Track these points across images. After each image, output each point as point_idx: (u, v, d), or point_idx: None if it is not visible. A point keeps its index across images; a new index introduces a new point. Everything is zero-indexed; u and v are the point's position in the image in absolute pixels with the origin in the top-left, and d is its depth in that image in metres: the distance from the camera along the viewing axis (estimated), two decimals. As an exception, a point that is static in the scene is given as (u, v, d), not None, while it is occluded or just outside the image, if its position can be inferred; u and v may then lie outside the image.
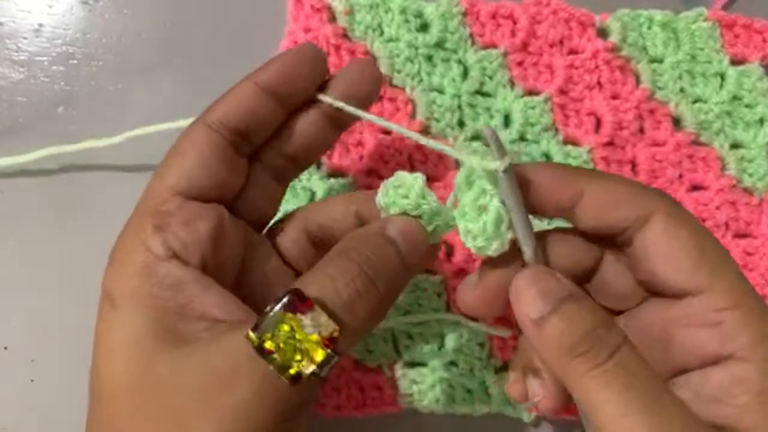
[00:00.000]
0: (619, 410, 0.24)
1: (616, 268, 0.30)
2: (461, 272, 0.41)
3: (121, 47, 0.43)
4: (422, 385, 0.39)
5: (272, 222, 0.34)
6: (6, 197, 0.40)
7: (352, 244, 0.28)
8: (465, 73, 0.43)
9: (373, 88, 0.33)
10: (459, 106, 0.43)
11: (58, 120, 0.41)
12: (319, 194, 0.40)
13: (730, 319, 0.26)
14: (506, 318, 0.40)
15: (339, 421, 0.39)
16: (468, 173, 0.29)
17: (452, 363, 0.40)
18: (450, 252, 0.41)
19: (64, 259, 0.39)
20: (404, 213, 0.29)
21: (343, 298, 0.26)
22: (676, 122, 0.45)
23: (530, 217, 0.29)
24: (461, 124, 0.43)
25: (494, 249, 0.28)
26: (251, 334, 0.24)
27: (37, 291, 0.39)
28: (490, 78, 0.43)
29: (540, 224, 0.37)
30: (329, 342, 0.25)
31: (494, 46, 0.44)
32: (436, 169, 0.42)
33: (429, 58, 0.43)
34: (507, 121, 0.43)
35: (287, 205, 0.38)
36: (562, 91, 0.44)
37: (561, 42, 0.44)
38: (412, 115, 0.42)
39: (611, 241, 0.29)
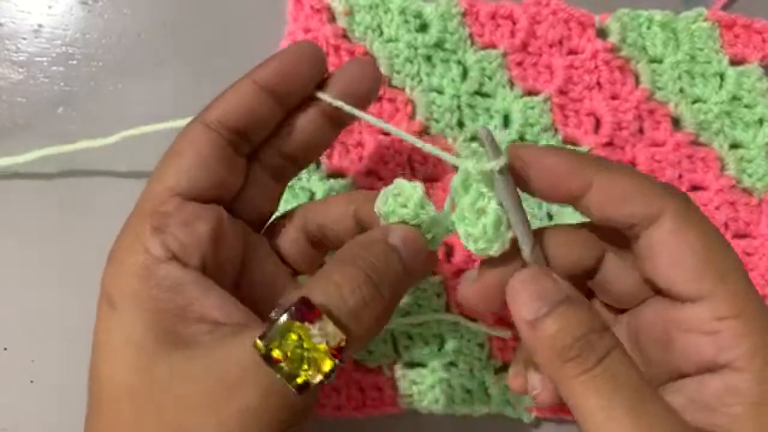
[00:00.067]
0: (605, 415, 0.24)
1: (619, 266, 0.30)
2: (461, 273, 0.41)
3: (121, 47, 0.43)
4: (422, 385, 0.39)
5: (270, 221, 0.34)
6: (6, 197, 0.40)
7: (357, 251, 0.28)
8: (464, 74, 0.43)
9: (372, 87, 0.33)
10: (458, 107, 0.43)
11: (58, 120, 0.41)
12: (319, 195, 0.40)
13: (730, 329, 0.26)
14: (506, 318, 0.40)
15: (339, 421, 0.39)
16: (464, 177, 0.29)
17: (452, 363, 0.40)
18: (449, 253, 0.41)
19: (63, 260, 0.40)
20: (403, 221, 0.29)
21: (349, 306, 0.26)
22: (676, 122, 0.45)
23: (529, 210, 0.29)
24: (461, 124, 0.43)
25: (495, 250, 0.28)
26: (258, 342, 0.24)
27: (37, 291, 0.39)
28: (490, 78, 0.43)
29: (540, 222, 0.37)
30: (337, 352, 0.25)
31: (494, 46, 0.44)
32: (435, 169, 0.42)
33: (428, 59, 0.43)
34: (506, 121, 0.43)
35: (286, 204, 0.38)
36: (562, 92, 0.44)
37: (560, 42, 0.44)
38: (412, 116, 0.42)
39: (618, 235, 0.29)
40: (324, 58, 0.31)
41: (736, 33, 0.46)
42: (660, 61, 0.45)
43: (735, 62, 0.46)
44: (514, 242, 0.29)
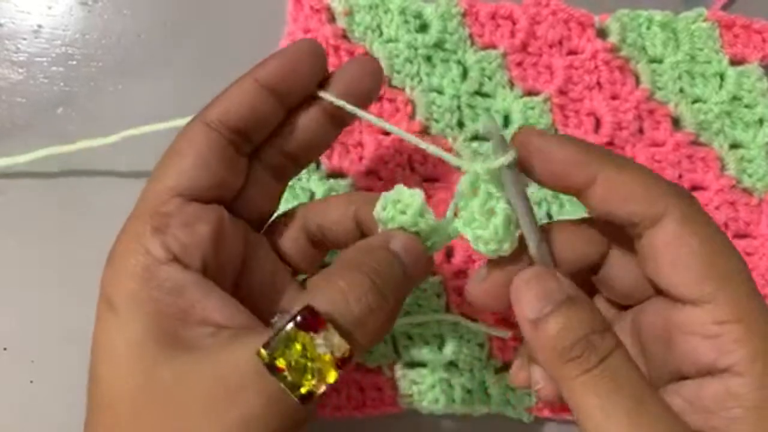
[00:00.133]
0: (605, 415, 0.24)
1: (624, 262, 0.30)
2: (461, 273, 0.41)
3: (121, 48, 0.43)
4: (422, 385, 0.39)
5: (270, 220, 0.34)
6: (6, 198, 0.40)
7: (361, 257, 0.28)
8: (464, 74, 0.43)
9: (374, 85, 0.32)
10: (458, 107, 0.43)
11: (58, 121, 0.41)
12: (319, 195, 0.40)
13: (731, 333, 0.25)
14: (506, 318, 0.40)
15: (339, 421, 0.39)
16: (473, 180, 0.28)
17: (452, 363, 0.40)
18: (449, 253, 0.41)
19: (63, 260, 0.39)
20: (402, 228, 0.29)
21: (354, 314, 0.26)
22: (676, 122, 0.45)
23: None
24: (461, 124, 0.43)
25: (506, 249, 0.28)
26: (262, 351, 0.24)
27: (37, 291, 0.39)
28: (490, 78, 0.43)
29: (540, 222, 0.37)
30: (341, 362, 0.24)
31: (494, 46, 0.44)
32: (435, 169, 0.42)
33: (428, 59, 0.43)
34: (506, 121, 0.43)
35: (286, 204, 0.38)
36: (562, 92, 0.44)
37: (560, 42, 0.44)
38: (412, 116, 0.42)
39: (623, 231, 0.29)
40: (325, 56, 0.31)
41: (736, 33, 0.46)
42: (660, 61, 0.45)
43: (735, 62, 0.46)
44: (521, 238, 0.29)
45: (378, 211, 0.30)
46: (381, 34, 0.43)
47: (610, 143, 0.44)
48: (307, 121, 0.31)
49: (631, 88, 0.44)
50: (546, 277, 0.27)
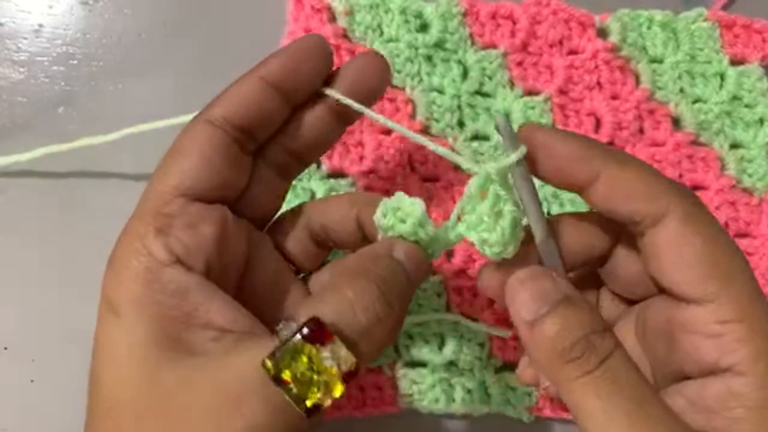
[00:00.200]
0: (606, 417, 0.24)
1: (630, 255, 0.30)
2: (461, 273, 0.41)
3: (121, 47, 0.43)
4: (422, 385, 0.39)
5: (273, 219, 0.34)
6: (6, 197, 0.40)
7: (366, 264, 0.28)
8: (465, 74, 0.43)
9: (380, 82, 0.32)
10: (459, 107, 0.43)
11: (59, 120, 0.41)
12: (319, 194, 0.40)
13: (733, 333, 0.25)
14: (506, 318, 0.40)
15: (339, 421, 0.39)
16: (482, 182, 0.28)
17: (452, 363, 0.40)
18: (450, 253, 0.41)
19: (64, 259, 0.39)
20: (401, 237, 0.29)
21: (362, 324, 0.25)
22: (676, 122, 0.45)
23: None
24: (461, 124, 0.43)
25: (510, 252, 0.28)
26: (268, 362, 0.24)
27: (37, 291, 0.39)
28: (490, 78, 0.43)
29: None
30: (347, 376, 0.24)
31: (494, 46, 0.44)
32: (435, 169, 0.42)
33: (429, 59, 0.43)
34: (506, 121, 0.43)
35: (287, 204, 0.38)
36: (562, 92, 0.44)
37: (561, 42, 0.44)
38: (412, 116, 0.42)
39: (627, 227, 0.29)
40: (330, 52, 0.30)
41: (736, 33, 0.46)
42: (660, 61, 0.45)
43: (735, 62, 0.46)
44: (528, 231, 0.29)
45: (378, 218, 0.30)
46: (381, 33, 0.43)
47: (611, 143, 0.44)
48: (313, 118, 0.31)
49: (631, 88, 0.44)
50: (541, 277, 0.27)
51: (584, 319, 0.26)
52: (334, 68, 0.31)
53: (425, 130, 0.42)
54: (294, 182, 0.39)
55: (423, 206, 0.29)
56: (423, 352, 0.40)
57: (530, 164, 0.28)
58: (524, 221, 0.29)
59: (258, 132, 0.30)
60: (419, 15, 0.43)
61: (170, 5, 0.44)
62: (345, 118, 0.32)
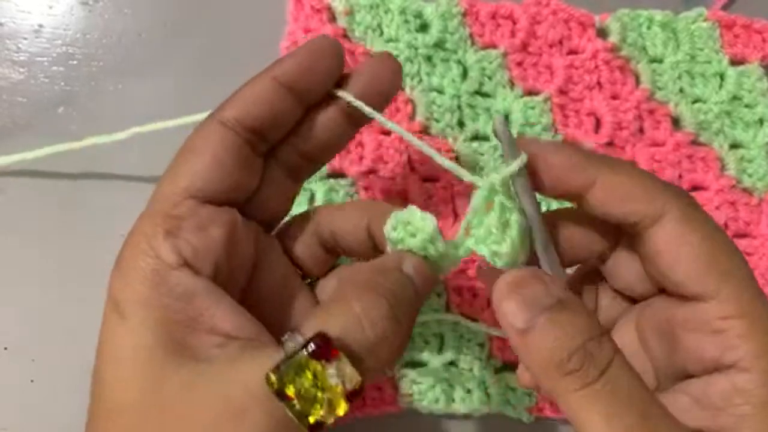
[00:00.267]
0: (606, 430, 0.24)
1: (630, 255, 0.29)
2: (461, 273, 0.41)
3: (121, 47, 0.43)
4: (422, 385, 0.39)
5: (283, 222, 0.33)
6: (6, 197, 0.40)
7: (376, 278, 0.27)
8: (464, 74, 0.43)
9: (392, 85, 0.31)
10: (458, 107, 0.43)
11: (59, 120, 0.41)
12: (319, 195, 0.40)
13: (735, 328, 0.25)
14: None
15: (338, 421, 0.39)
16: (487, 194, 0.28)
17: (452, 363, 0.40)
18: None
19: (64, 259, 0.40)
20: (410, 251, 0.29)
21: (370, 340, 0.25)
22: (676, 122, 0.45)
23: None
24: (461, 124, 0.43)
25: (521, 261, 0.28)
26: (272, 376, 0.23)
27: (37, 291, 0.39)
28: (490, 78, 0.43)
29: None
30: (351, 395, 0.24)
31: (494, 46, 0.44)
32: (435, 169, 0.42)
33: (428, 59, 0.43)
34: (507, 121, 0.43)
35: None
36: (562, 92, 0.44)
37: (561, 42, 0.44)
38: (412, 116, 0.42)
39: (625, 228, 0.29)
40: (343, 53, 0.30)
41: (736, 33, 0.46)
42: (660, 61, 0.45)
43: (735, 62, 0.46)
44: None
45: (388, 230, 0.29)
46: (381, 33, 0.43)
47: (610, 143, 0.44)
48: (325, 120, 0.31)
49: (631, 88, 0.44)
50: (531, 281, 0.26)
51: (580, 325, 0.25)
52: (349, 69, 0.31)
53: (425, 131, 0.42)
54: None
55: (435, 222, 0.29)
56: (423, 352, 0.40)
57: (528, 176, 0.28)
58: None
59: (270, 133, 0.29)
60: (419, 15, 0.43)
61: (170, 5, 0.44)
62: (357, 120, 0.31)
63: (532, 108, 0.43)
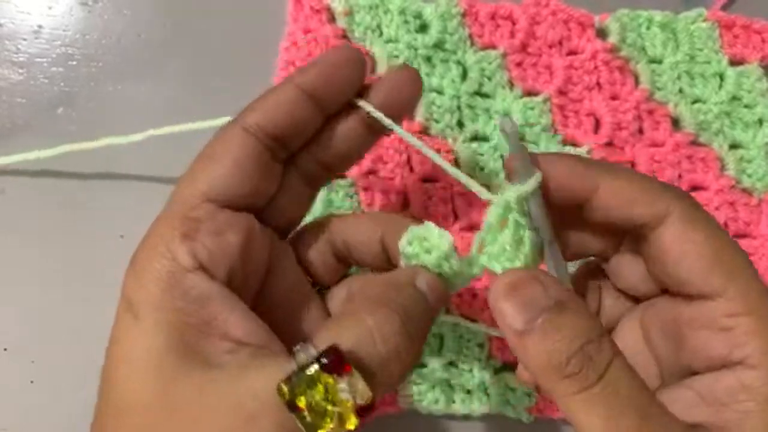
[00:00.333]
0: None
1: (633, 255, 0.30)
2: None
3: (121, 48, 0.43)
4: (422, 385, 0.39)
5: (296, 229, 0.33)
6: (6, 197, 0.40)
7: (389, 293, 0.27)
8: (464, 74, 0.43)
9: (413, 96, 0.31)
10: (458, 107, 0.43)
11: (58, 121, 0.41)
12: (320, 195, 0.40)
13: (742, 326, 0.25)
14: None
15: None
16: (502, 212, 0.28)
17: (452, 363, 0.40)
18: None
19: (64, 259, 0.40)
20: (424, 266, 0.29)
21: (381, 355, 0.25)
22: (675, 123, 0.45)
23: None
24: (460, 124, 0.43)
25: None
26: (284, 387, 0.23)
27: (37, 291, 0.39)
28: (489, 79, 0.43)
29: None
30: (362, 410, 0.24)
31: (493, 46, 0.44)
32: (435, 169, 0.42)
33: (428, 59, 0.43)
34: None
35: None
36: (562, 92, 0.44)
37: (560, 43, 0.44)
38: (412, 116, 0.42)
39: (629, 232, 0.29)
40: (365, 63, 0.30)
41: (735, 33, 0.46)
42: (659, 62, 0.45)
43: (734, 62, 0.46)
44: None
45: (403, 245, 0.29)
46: (381, 34, 0.43)
47: (610, 143, 0.44)
48: (345, 129, 0.31)
49: (630, 89, 0.44)
50: (528, 282, 0.25)
51: (579, 327, 0.25)
52: (370, 79, 0.31)
53: (425, 131, 0.42)
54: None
55: (451, 239, 0.29)
56: (423, 352, 0.40)
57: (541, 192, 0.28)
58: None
59: (291, 140, 0.30)
60: (418, 15, 0.43)
61: (170, 5, 0.44)
62: (377, 130, 0.31)
63: (532, 108, 0.43)
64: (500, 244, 0.28)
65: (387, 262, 0.32)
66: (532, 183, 0.27)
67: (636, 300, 0.31)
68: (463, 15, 0.43)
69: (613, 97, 0.44)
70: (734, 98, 0.45)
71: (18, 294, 0.39)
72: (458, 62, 0.43)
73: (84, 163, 0.41)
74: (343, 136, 0.31)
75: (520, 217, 0.28)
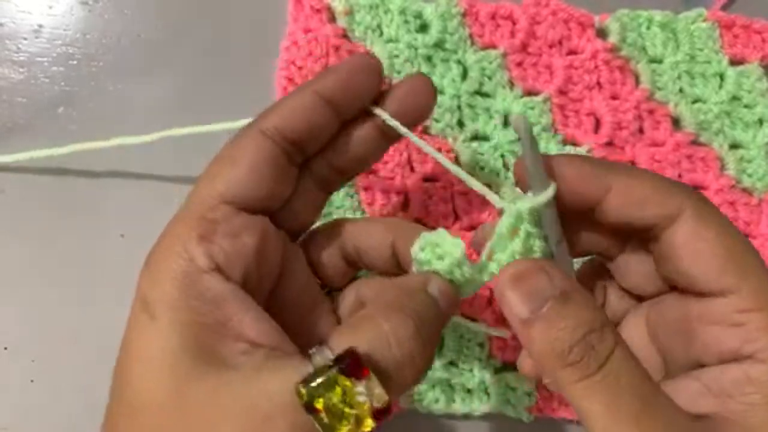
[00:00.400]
0: (609, 420, 0.24)
1: (640, 255, 0.30)
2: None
3: (121, 47, 0.43)
4: (422, 385, 0.39)
5: (307, 232, 0.33)
6: (6, 196, 0.40)
7: (402, 298, 0.27)
8: (464, 74, 0.43)
9: (427, 104, 0.32)
10: (458, 107, 0.43)
11: (59, 120, 0.41)
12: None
13: (754, 321, 0.25)
14: (506, 318, 0.40)
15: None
16: (514, 222, 0.28)
17: (452, 363, 0.40)
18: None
19: (64, 259, 0.40)
20: (436, 272, 0.29)
21: (396, 359, 0.25)
22: (676, 122, 0.45)
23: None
24: (461, 124, 0.43)
25: None
26: (302, 389, 0.23)
27: (37, 291, 0.39)
28: (490, 78, 0.43)
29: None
30: (378, 413, 0.24)
31: (494, 46, 0.44)
32: (435, 169, 0.42)
33: (428, 59, 0.43)
34: (506, 121, 0.43)
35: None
36: (562, 92, 0.44)
37: (560, 42, 0.44)
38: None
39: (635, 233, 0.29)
40: (381, 70, 0.31)
41: (735, 33, 0.46)
42: (660, 61, 0.45)
43: (735, 62, 0.46)
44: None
45: (415, 251, 0.30)
46: (381, 34, 0.43)
47: (610, 143, 0.44)
48: (360, 135, 0.31)
49: (631, 88, 0.44)
50: (534, 272, 0.26)
51: (582, 317, 0.25)
52: (386, 86, 0.32)
53: (425, 131, 0.42)
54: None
55: (463, 246, 0.29)
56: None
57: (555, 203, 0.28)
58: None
59: (307, 145, 0.30)
60: (419, 15, 0.43)
61: (170, 5, 0.44)
62: (391, 136, 0.32)
63: (532, 108, 0.43)
64: (510, 253, 0.28)
65: (396, 267, 0.32)
66: (547, 194, 0.27)
67: (639, 299, 0.31)
68: (464, 15, 0.43)
69: (614, 97, 0.44)
70: (734, 98, 0.45)
71: (18, 294, 0.39)
72: (458, 62, 0.43)
73: (84, 162, 0.41)
74: (358, 142, 0.31)
75: (531, 228, 0.28)
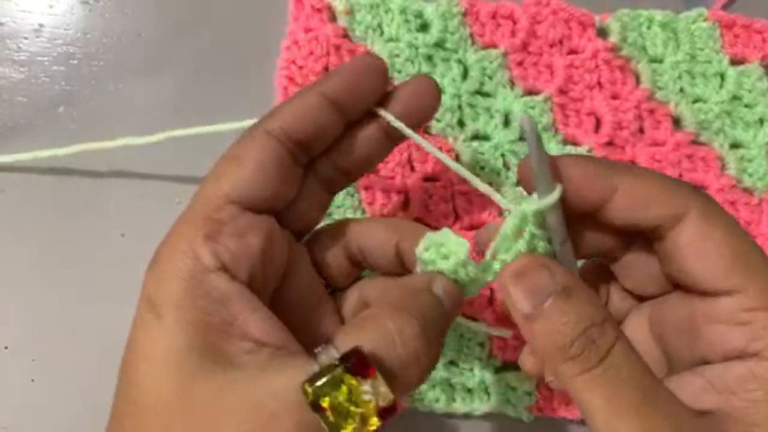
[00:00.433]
0: (610, 414, 0.24)
1: (644, 255, 0.30)
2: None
3: (122, 47, 0.43)
4: (422, 384, 0.39)
5: (312, 231, 0.34)
6: (7, 196, 0.40)
7: (407, 298, 0.28)
8: (465, 73, 0.43)
9: (431, 105, 0.32)
10: (459, 106, 0.43)
11: (59, 120, 0.41)
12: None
13: (761, 320, 0.26)
14: (506, 318, 0.40)
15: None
16: (519, 223, 0.28)
17: (452, 363, 0.40)
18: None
19: (65, 259, 0.40)
20: (440, 272, 0.29)
21: (402, 358, 0.25)
22: (676, 122, 0.45)
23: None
24: (461, 124, 0.43)
25: None
26: (308, 388, 0.24)
27: (38, 290, 0.39)
28: (490, 78, 0.43)
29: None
30: (383, 412, 0.24)
31: (494, 46, 0.44)
32: (435, 169, 0.42)
33: (429, 58, 0.43)
34: (507, 121, 0.43)
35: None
36: (562, 91, 0.44)
37: (561, 42, 0.44)
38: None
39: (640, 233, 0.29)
40: (387, 72, 0.31)
41: (736, 33, 0.46)
42: (660, 61, 0.45)
43: (735, 62, 0.46)
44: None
45: (420, 251, 0.30)
46: (382, 33, 0.43)
47: (611, 143, 0.44)
48: (365, 136, 0.32)
49: (631, 88, 0.44)
50: (537, 268, 0.27)
51: (583, 312, 0.26)
52: (390, 87, 0.32)
53: (425, 130, 0.42)
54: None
55: (468, 246, 0.29)
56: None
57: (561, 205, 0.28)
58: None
59: (313, 146, 0.30)
60: (419, 15, 0.43)
61: (170, 5, 0.44)
62: (395, 137, 0.32)
63: (533, 108, 0.43)
64: (514, 254, 0.28)
65: (401, 266, 0.32)
66: (554, 196, 0.27)
67: (642, 299, 0.31)
68: (464, 14, 0.43)
69: (614, 97, 0.44)
70: (735, 98, 0.45)
71: (18, 293, 0.39)
72: (459, 61, 0.43)
73: (85, 162, 0.41)
74: (362, 143, 0.32)
75: (536, 229, 0.28)
